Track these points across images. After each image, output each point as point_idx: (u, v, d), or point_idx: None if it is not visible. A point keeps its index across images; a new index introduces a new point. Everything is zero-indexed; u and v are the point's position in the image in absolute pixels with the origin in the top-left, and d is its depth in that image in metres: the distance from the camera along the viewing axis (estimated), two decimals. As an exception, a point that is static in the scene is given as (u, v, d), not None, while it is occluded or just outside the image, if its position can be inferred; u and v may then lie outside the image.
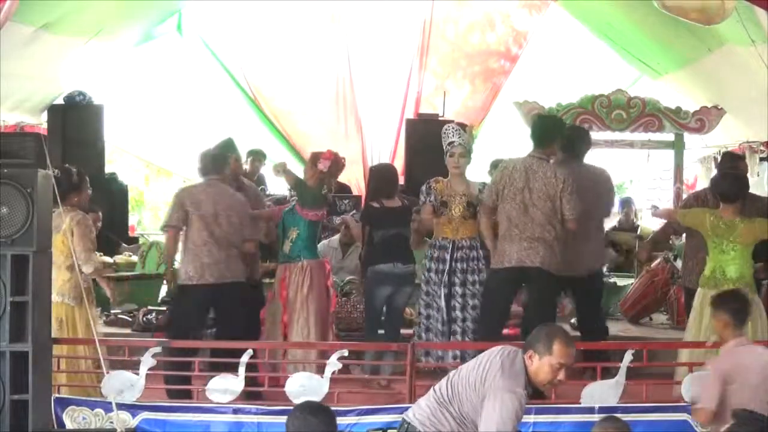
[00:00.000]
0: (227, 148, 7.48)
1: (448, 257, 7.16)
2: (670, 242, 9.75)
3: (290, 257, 7.19)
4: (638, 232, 10.56)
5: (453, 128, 7.31)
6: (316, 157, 7.44)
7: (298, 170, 12.24)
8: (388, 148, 13.01)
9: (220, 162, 7.18)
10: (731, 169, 7.25)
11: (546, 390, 4.51)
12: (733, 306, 5.30)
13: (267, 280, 7.81)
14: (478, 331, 6.97)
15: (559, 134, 7.07)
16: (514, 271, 6.75)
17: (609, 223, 9.07)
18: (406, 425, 4.54)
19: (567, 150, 7.14)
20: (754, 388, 4.90)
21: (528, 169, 6.79)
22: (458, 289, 7.15)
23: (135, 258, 9.67)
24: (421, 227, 7.59)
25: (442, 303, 7.16)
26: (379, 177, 7.87)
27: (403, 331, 7.57)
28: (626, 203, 11.32)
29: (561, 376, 4.34)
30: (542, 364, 4.34)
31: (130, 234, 11.81)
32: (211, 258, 6.80)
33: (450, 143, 7.26)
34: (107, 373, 5.72)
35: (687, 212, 7.06)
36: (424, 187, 7.37)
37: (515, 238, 6.72)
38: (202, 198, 6.92)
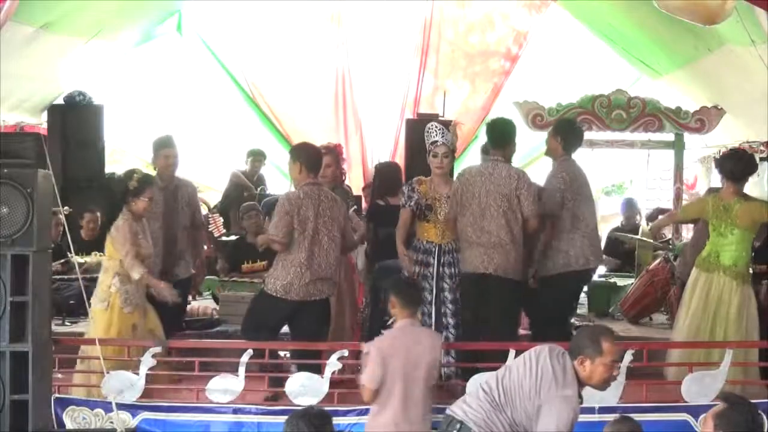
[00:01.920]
0: (161, 143, 7.34)
1: (434, 262, 6.97)
2: (670, 243, 9.76)
3: None
4: (639, 233, 10.56)
5: (436, 127, 7.07)
6: (337, 154, 7.37)
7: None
8: (388, 148, 13.01)
9: (315, 160, 6.71)
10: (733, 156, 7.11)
11: (603, 388, 4.59)
12: (401, 289, 5.49)
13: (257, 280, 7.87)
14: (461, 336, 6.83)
15: (514, 135, 7.06)
16: (476, 277, 6.66)
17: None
18: (458, 424, 4.54)
19: (567, 149, 7.10)
20: (412, 369, 5.19)
21: (483, 172, 6.75)
22: (448, 295, 6.95)
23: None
24: (401, 231, 7.20)
25: (432, 309, 7.02)
26: (385, 175, 7.86)
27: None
28: (628, 204, 11.31)
29: (616, 371, 4.49)
30: (596, 366, 4.41)
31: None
32: (301, 280, 6.51)
33: (433, 143, 7.01)
34: (107, 373, 5.73)
35: (687, 205, 7.15)
36: (405, 189, 7.08)
37: (473, 244, 6.66)
38: (309, 215, 6.48)
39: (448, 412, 4.71)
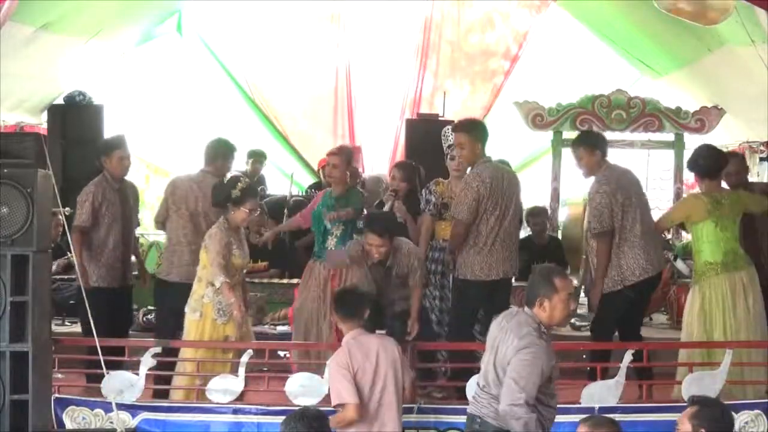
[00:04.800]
0: (116, 144, 7.24)
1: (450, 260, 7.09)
2: (670, 242, 9.75)
3: (341, 240, 6.99)
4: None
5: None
6: (349, 154, 7.32)
7: (297, 169, 12.34)
8: (388, 148, 13.03)
9: (212, 153, 7.13)
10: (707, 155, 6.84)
11: (564, 324, 4.76)
12: (341, 303, 5.41)
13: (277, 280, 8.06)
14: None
15: None
16: (494, 284, 6.59)
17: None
18: (478, 419, 4.64)
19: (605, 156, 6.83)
20: (374, 375, 5.15)
21: (503, 175, 6.67)
22: None
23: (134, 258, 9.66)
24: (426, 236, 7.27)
25: (443, 305, 7.11)
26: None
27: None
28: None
29: (572, 305, 4.70)
30: (555, 304, 4.52)
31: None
32: (182, 259, 6.91)
33: (450, 146, 7.20)
34: (107, 373, 5.73)
35: (671, 210, 7.02)
36: (424, 192, 7.26)
37: (501, 249, 6.57)
38: (187, 194, 6.99)
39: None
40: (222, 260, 6.20)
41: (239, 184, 6.36)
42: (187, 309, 6.41)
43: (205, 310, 6.29)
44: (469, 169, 6.80)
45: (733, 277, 6.49)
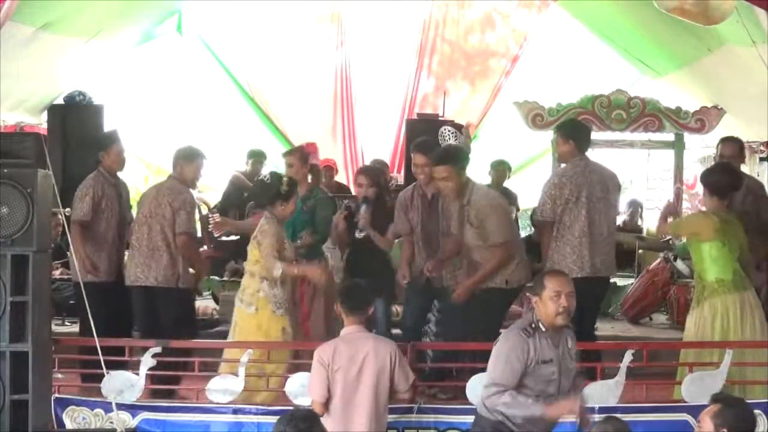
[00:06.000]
0: (113, 138, 7.35)
1: None
2: (670, 242, 9.76)
3: (309, 256, 7.02)
4: (644, 233, 10.58)
5: (449, 131, 7.27)
6: (304, 154, 7.31)
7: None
8: (388, 148, 13.03)
9: (174, 158, 7.12)
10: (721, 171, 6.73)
11: (564, 320, 4.76)
12: (347, 294, 5.33)
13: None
14: None
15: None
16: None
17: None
18: None
19: (582, 149, 6.78)
20: (355, 377, 5.06)
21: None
22: None
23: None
24: None
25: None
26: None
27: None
28: (633, 204, 11.29)
29: (564, 302, 4.68)
30: (544, 301, 4.71)
31: (130, 234, 11.76)
32: (131, 262, 7.01)
33: None
34: (107, 373, 5.72)
35: (680, 221, 6.89)
36: None
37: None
38: (144, 200, 7.06)
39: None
40: (275, 254, 6.25)
41: (284, 178, 6.48)
42: (239, 303, 6.45)
43: (261, 304, 6.34)
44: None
45: (742, 296, 6.37)
